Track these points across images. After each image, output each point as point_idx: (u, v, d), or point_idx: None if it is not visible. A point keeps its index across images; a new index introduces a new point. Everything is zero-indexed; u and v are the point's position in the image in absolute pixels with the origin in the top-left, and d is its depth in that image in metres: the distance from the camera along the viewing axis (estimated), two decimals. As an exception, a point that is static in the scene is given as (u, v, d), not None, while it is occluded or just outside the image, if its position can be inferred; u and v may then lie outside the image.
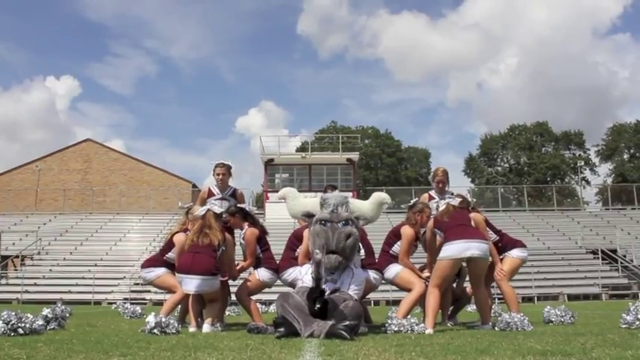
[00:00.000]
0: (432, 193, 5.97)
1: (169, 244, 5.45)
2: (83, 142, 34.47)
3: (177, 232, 5.45)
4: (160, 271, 5.38)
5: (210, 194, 5.86)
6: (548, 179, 46.74)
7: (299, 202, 4.93)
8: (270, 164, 27.75)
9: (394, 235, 5.36)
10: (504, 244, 5.36)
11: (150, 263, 5.57)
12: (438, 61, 75.62)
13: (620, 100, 68.43)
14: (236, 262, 5.41)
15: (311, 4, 78.16)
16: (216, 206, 5.21)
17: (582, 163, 44.92)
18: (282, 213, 5.13)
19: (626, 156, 48.08)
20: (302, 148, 36.22)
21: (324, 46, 80.00)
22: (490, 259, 4.99)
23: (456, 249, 4.54)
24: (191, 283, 4.69)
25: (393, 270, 5.20)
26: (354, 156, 28.30)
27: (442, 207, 4.95)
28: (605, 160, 48.24)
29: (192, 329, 4.78)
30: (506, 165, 50.44)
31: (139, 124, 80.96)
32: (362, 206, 4.74)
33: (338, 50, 79.02)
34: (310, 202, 4.86)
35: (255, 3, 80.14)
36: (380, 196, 4.80)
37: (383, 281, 5.34)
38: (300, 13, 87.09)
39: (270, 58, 79.82)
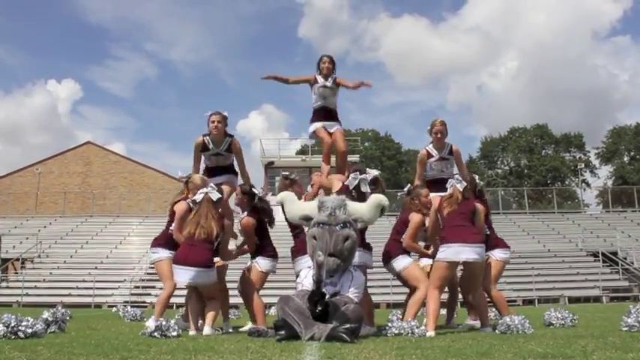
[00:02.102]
0: (430, 148, 5.81)
1: (172, 215, 5.32)
2: (83, 145, 34.44)
3: (177, 202, 5.33)
4: (162, 255, 5.24)
5: (205, 148, 5.61)
6: (549, 181, 46.74)
7: (297, 205, 4.91)
8: (270, 167, 27.76)
9: (403, 224, 5.34)
10: (489, 241, 5.33)
11: (157, 242, 5.40)
12: (438, 65, 75.87)
13: (620, 102, 68.58)
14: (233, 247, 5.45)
15: (312, 8, 78.36)
16: (214, 191, 5.02)
17: (582, 166, 44.87)
18: (282, 216, 5.10)
19: (626, 158, 48.10)
20: (302, 151, 36.25)
21: (325, 49, 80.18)
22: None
23: (452, 252, 4.66)
24: (185, 275, 4.68)
25: (402, 263, 5.17)
26: (354, 158, 28.29)
27: (449, 190, 4.96)
28: (605, 163, 48.28)
29: (192, 332, 4.78)
30: (507, 167, 50.45)
31: (140, 126, 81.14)
32: (360, 208, 4.73)
33: (339, 53, 78.98)
34: (308, 205, 4.84)
35: (255, 6, 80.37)
36: (378, 198, 4.78)
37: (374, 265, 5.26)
38: (301, 16, 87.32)
39: (271, 62, 79.89)
